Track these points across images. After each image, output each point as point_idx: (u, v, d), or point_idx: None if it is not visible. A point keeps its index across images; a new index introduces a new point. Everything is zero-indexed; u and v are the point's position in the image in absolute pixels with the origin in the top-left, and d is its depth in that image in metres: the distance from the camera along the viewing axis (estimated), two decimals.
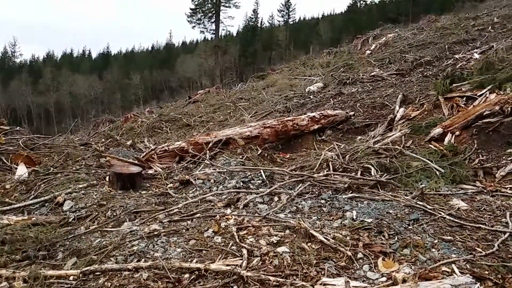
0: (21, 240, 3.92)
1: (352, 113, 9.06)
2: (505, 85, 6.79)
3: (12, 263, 3.57)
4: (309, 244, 3.48)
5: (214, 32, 55.64)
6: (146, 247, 3.62)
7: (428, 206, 4.27)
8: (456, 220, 3.97)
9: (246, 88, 16.85)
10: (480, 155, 5.80)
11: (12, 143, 7.80)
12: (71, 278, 3.18)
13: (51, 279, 3.17)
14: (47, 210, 4.96)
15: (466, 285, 2.66)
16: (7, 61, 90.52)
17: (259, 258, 3.28)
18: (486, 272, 3.01)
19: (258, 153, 7.11)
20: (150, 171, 6.63)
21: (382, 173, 5.46)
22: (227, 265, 3.15)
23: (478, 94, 7.22)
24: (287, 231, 3.76)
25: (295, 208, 4.46)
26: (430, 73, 11.05)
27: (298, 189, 4.95)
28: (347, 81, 12.56)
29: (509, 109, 6.00)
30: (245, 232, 3.80)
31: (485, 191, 4.91)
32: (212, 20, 54.92)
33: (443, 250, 3.38)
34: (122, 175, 5.60)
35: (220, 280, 2.99)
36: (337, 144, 7.22)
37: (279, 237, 3.63)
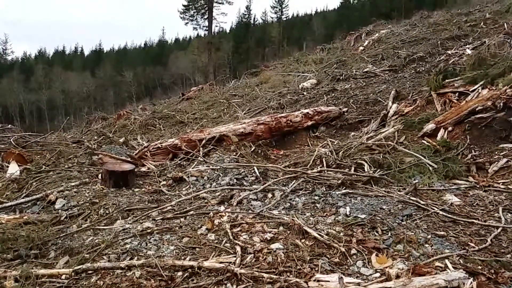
0: (12, 239, 3.87)
1: (345, 109, 9.07)
2: (497, 81, 6.83)
3: (4, 262, 3.53)
4: (302, 240, 3.48)
5: (207, 28, 55.28)
6: (139, 245, 3.59)
7: (421, 202, 4.29)
8: (449, 216, 4.00)
9: (240, 85, 16.80)
10: (472, 151, 5.83)
11: (4, 141, 7.72)
12: (63, 277, 3.15)
13: (43, 278, 3.14)
14: (39, 208, 4.91)
15: (459, 280, 2.67)
16: None
17: (252, 255, 3.27)
18: (479, 267, 3.03)
19: (252, 150, 7.10)
20: (143, 169, 6.58)
21: (375, 169, 5.47)
22: (221, 262, 3.14)
23: (470, 90, 7.25)
24: (281, 228, 3.75)
25: (289, 204, 4.46)
26: (423, 69, 11.08)
27: (291, 186, 4.94)
28: (340, 78, 12.58)
29: (501, 104, 6.03)
30: (238, 229, 3.79)
31: (478, 186, 4.95)
32: (205, 17, 54.56)
33: (436, 245, 3.39)
34: (114, 173, 5.56)
35: (213, 278, 2.97)
36: (330, 141, 7.23)
37: (273, 233, 3.62)
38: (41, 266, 3.46)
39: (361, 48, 16.65)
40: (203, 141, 7.25)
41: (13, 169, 6.28)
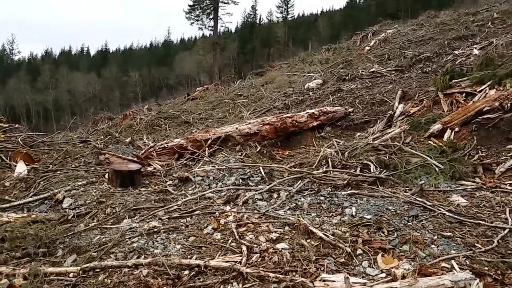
0: (21, 238, 3.92)
1: (351, 109, 9.05)
2: (505, 81, 6.78)
3: (12, 260, 3.57)
4: (308, 240, 3.49)
5: (213, 28, 55.42)
6: (146, 244, 3.62)
7: (428, 203, 4.28)
8: (456, 216, 3.98)
9: (245, 85, 16.82)
10: (479, 151, 5.80)
11: (11, 140, 7.80)
12: (71, 275, 3.18)
13: (51, 276, 3.17)
14: (47, 207, 4.96)
15: (465, 281, 2.66)
16: (5, 59, 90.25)
17: (258, 254, 3.29)
18: (486, 268, 3.02)
19: (257, 150, 7.11)
20: (149, 168, 6.62)
21: (381, 169, 5.46)
22: (227, 261, 3.16)
23: (477, 90, 7.21)
24: (287, 228, 3.76)
25: (295, 204, 4.47)
26: (430, 69, 11.01)
27: (297, 186, 4.94)
28: (346, 78, 12.54)
29: (508, 105, 5.99)
30: (244, 228, 3.80)
31: (484, 187, 4.91)
32: (211, 17, 54.73)
33: (442, 246, 3.38)
34: (121, 172, 5.60)
35: (219, 277, 2.99)
36: (336, 141, 7.22)
37: (278, 233, 3.63)
38: (49, 264, 3.49)
39: (367, 48, 16.58)
40: (209, 141, 7.28)
41: (21, 168, 6.34)
